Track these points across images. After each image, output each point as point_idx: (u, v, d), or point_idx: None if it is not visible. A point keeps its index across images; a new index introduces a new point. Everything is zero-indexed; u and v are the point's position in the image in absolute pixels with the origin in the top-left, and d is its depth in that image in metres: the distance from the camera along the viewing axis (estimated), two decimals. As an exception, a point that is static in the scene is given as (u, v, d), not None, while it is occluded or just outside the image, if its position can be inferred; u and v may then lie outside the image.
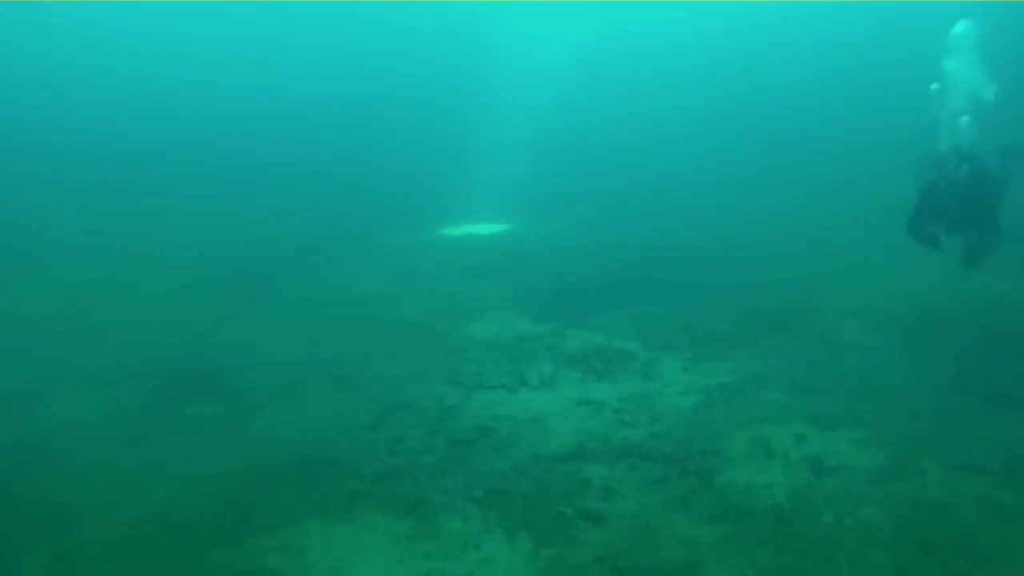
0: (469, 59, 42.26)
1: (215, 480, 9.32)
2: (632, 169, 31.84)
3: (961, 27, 11.48)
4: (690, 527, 7.96)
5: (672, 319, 15.21)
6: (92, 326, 15.36)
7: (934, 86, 11.32)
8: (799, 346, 13.46)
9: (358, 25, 42.95)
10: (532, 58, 44.61)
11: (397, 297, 17.67)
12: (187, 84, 39.14)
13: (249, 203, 26.98)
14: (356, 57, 41.94)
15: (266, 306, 16.99)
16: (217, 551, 7.83)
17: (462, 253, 22.23)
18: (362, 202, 28.29)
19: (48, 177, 26.73)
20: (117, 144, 32.09)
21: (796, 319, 14.90)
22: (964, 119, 10.95)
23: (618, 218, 25.96)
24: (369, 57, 42.03)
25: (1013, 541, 7.44)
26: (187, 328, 15.45)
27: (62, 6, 39.83)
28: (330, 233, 24.03)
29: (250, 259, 20.26)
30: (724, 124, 33.96)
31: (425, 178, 31.02)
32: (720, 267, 18.85)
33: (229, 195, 27.58)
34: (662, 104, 37.70)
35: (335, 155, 33.50)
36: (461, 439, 10.23)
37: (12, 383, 12.72)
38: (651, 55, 42.95)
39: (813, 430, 10.11)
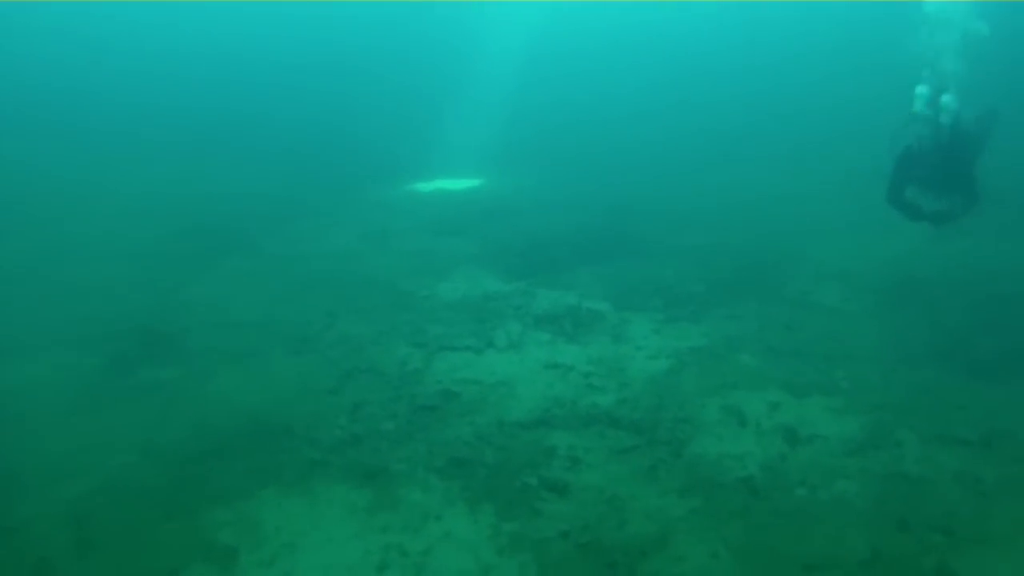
0: (444, 13, 41.52)
1: (170, 448, 9.02)
2: (607, 125, 31.38)
3: None
4: (658, 500, 7.70)
5: (645, 279, 14.89)
6: (50, 283, 14.87)
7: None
8: (774, 309, 13.19)
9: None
10: (508, 12, 43.91)
11: (366, 254, 17.26)
12: (156, 31, 38.32)
13: (218, 155, 26.39)
14: (328, 8, 41.14)
15: (233, 262, 16.54)
16: (169, 525, 7.56)
17: (433, 208, 21.78)
18: (333, 155, 27.73)
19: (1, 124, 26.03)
20: (75, 90, 31.38)
21: (772, 281, 14.61)
22: (949, 61, 10.65)
23: (592, 174, 25.51)
24: (342, 8, 41.24)
25: (992, 518, 7.21)
26: (150, 285, 14.99)
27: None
28: (301, 187, 23.48)
29: (218, 213, 19.76)
30: (701, 84, 33.57)
31: (397, 131, 30.48)
32: (695, 226, 18.50)
33: (196, 146, 27.03)
34: (638, 62, 37.24)
35: (307, 107, 32.86)
36: (424, 405, 9.92)
37: (-37, 343, 12.28)
38: (626, 13, 42.30)
39: (787, 397, 9.87)
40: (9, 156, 22.85)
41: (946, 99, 10.27)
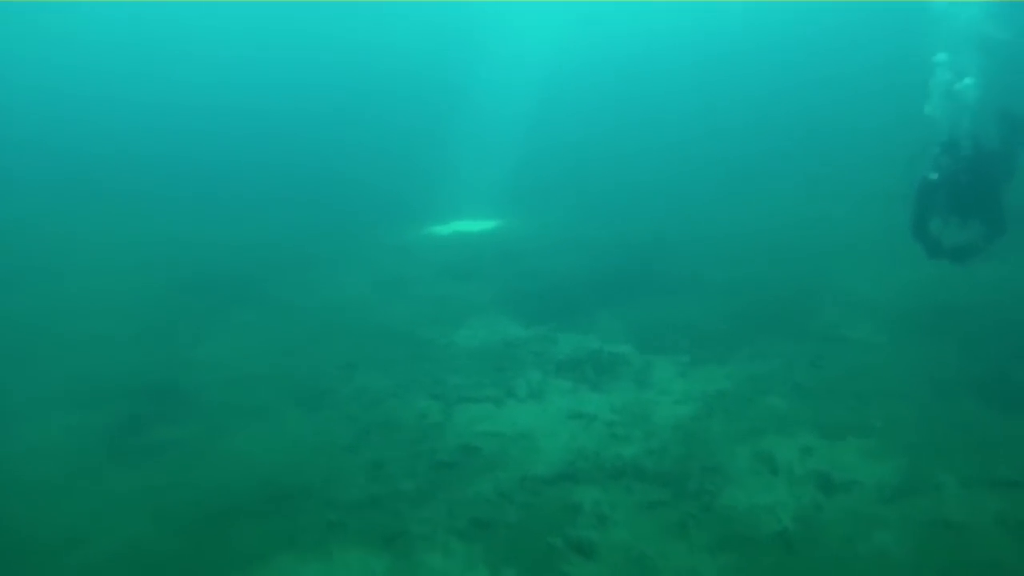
0: (454, 53, 41.54)
1: (183, 512, 8.75)
2: (624, 159, 31.18)
3: None
4: (689, 557, 7.37)
5: (667, 318, 14.61)
6: (57, 340, 14.72)
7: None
8: (802, 345, 12.86)
9: (339, 20, 42.34)
10: (518, 51, 43.83)
11: (382, 301, 17.08)
12: (160, 81, 38.42)
13: (222, 203, 26.35)
14: (337, 52, 41.26)
15: (244, 313, 16.37)
16: (182, 595, 7.28)
17: (450, 252, 21.57)
18: (347, 200, 27.58)
19: (4, 179, 25.99)
20: (80, 143, 31.39)
21: (798, 315, 14.31)
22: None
23: (610, 210, 25.28)
24: (350, 52, 41.37)
25: (1042, 566, 6.84)
26: (162, 339, 14.83)
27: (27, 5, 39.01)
28: (313, 233, 23.40)
29: (228, 262, 19.65)
30: (716, 111, 33.33)
31: (412, 174, 30.35)
32: (717, 260, 18.22)
33: (200, 195, 27.00)
34: (653, 92, 36.98)
35: (318, 152, 32.82)
36: (444, 461, 9.63)
37: (-28, 404, 12.08)
38: (639, 42, 42.17)
39: (819, 440, 9.53)
40: (8, 213, 22.78)
41: (967, 82, 9.96)
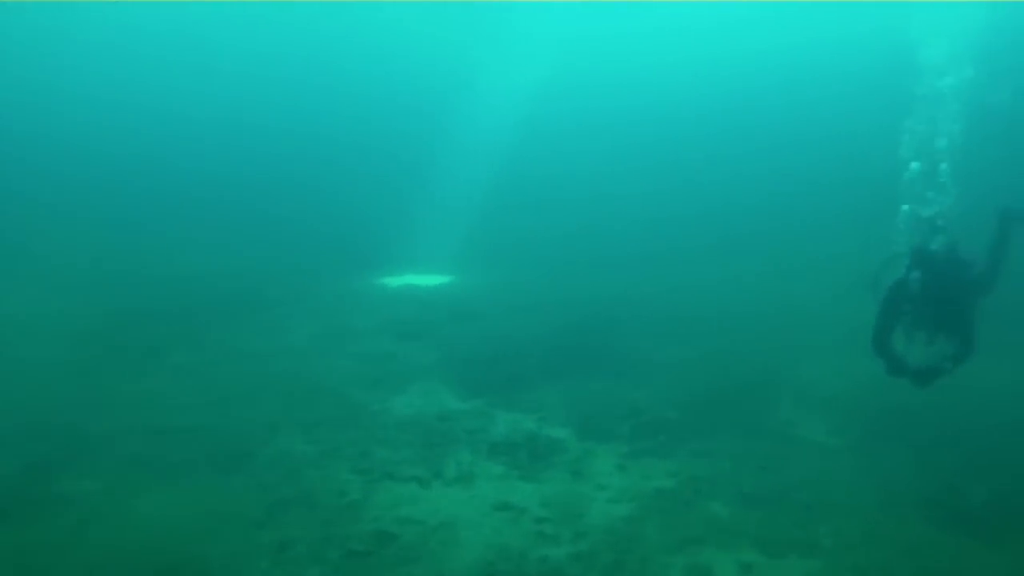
0: (420, 100, 41.14)
1: (61, 578, 7.95)
2: (590, 218, 30.65)
3: None
4: None
5: (613, 400, 13.98)
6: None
7: None
8: (751, 443, 12.22)
9: (304, 58, 42.12)
10: (484, 101, 43.40)
11: (322, 355, 16.45)
12: (111, 91, 37.99)
13: (169, 230, 25.73)
14: (300, 91, 40.90)
15: (180, 355, 15.82)
16: None
17: (398, 307, 20.88)
18: (300, 239, 27.09)
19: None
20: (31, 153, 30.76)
21: (751, 408, 13.72)
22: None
23: (571, 272, 24.70)
24: (314, 92, 41.00)
25: None
26: (84, 375, 14.25)
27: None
28: (263, 270, 22.81)
29: (166, 297, 19.14)
30: (686, 177, 32.91)
31: (370, 220, 29.83)
32: (673, 337, 17.63)
33: (146, 218, 26.36)
34: (623, 153, 36.59)
35: (275, 189, 32.23)
36: (356, 549, 8.88)
37: None
38: (611, 97, 41.77)
39: (761, 558, 8.88)
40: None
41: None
